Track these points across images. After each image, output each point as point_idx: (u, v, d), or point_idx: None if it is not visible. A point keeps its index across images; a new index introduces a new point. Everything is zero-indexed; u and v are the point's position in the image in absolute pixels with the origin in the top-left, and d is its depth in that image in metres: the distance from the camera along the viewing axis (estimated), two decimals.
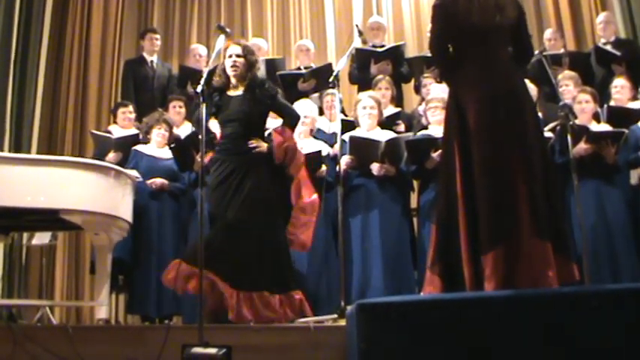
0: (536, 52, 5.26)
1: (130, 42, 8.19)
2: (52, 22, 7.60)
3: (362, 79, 6.22)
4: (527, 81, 3.68)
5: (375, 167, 4.84)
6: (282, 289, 4.16)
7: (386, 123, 5.23)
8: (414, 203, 5.17)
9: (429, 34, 4.83)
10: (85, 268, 6.87)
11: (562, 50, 6.42)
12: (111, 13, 8.09)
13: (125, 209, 4.52)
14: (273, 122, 4.84)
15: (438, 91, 5.30)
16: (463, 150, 3.21)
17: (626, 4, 6.66)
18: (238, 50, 4.36)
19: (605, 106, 5.28)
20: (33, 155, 6.28)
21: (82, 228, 4.43)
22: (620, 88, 5.40)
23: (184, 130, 5.83)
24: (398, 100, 6.07)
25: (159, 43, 7.06)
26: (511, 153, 3.15)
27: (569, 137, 4.36)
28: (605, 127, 5.03)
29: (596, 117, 5.12)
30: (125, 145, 5.50)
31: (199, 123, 4.49)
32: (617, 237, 4.71)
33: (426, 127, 5.17)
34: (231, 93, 4.38)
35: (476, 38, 3.29)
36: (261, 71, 6.05)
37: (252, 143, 4.30)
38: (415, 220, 5.12)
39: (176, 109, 5.99)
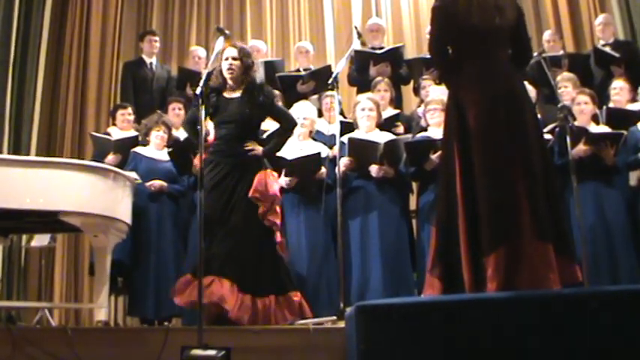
0: (535, 53, 5.28)
1: (129, 44, 8.19)
2: (51, 24, 7.62)
3: (361, 81, 6.22)
4: (525, 83, 3.68)
5: (373, 169, 4.84)
6: (280, 291, 4.18)
7: (385, 125, 5.23)
8: (413, 205, 5.17)
9: (428, 36, 4.84)
10: (84, 270, 6.87)
11: (561, 52, 6.43)
12: (110, 15, 8.11)
13: (124, 211, 4.52)
14: (271, 124, 4.86)
15: (437, 92, 5.30)
16: (463, 151, 3.21)
17: (624, 6, 6.68)
18: (234, 53, 4.36)
19: (604, 107, 5.29)
20: (32, 157, 6.31)
21: (81, 230, 4.44)
22: (619, 89, 5.41)
23: (183, 132, 5.83)
24: (397, 101, 6.07)
25: (158, 45, 7.07)
26: (511, 154, 3.15)
27: (568, 139, 4.36)
28: (604, 128, 5.03)
29: (595, 118, 5.13)
30: (124, 147, 5.50)
31: (190, 125, 4.56)
32: (616, 238, 4.71)
33: (425, 129, 5.17)
34: (228, 95, 4.38)
35: (475, 40, 3.29)
36: (260, 73, 6.05)
37: (248, 146, 4.31)
38: (414, 221, 5.12)
39: (175, 111, 5.98)
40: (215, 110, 4.34)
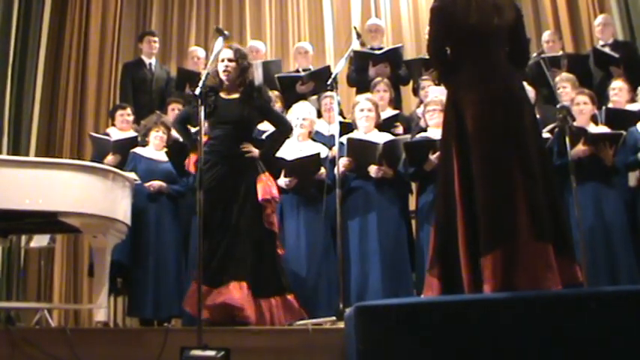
0: (535, 54, 5.29)
1: (129, 45, 8.19)
2: (50, 24, 7.61)
3: (360, 82, 6.22)
4: (525, 83, 3.68)
5: (372, 169, 4.84)
6: (281, 292, 4.21)
7: (384, 125, 5.23)
8: (412, 205, 5.18)
9: (427, 37, 4.84)
10: (83, 271, 6.87)
11: (560, 52, 6.42)
12: (109, 16, 8.11)
13: (123, 212, 4.52)
14: (266, 126, 4.87)
15: (436, 93, 5.30)
16: (461, 152, 3.21)
17: (624, 6, 6.68)
18: (230, 54, 4.36)
19: (604, 108, 5.29)
20: (31, 158, 6.30)
21: (80, 230, 4.44)
22: (618, 90, 5.41)
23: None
24: (396, 102, 6.08)
25: (157, 45, 7.07)
26: (509, 155, 3.15)
27: (567, 139, 4.37)
28: (603, 129, 5.03)
29: (594, 119, 5.13)
30: (123, 148, 5.49)
31: (180, 124, 4.58)
32: (615, 239, 4.71)
33: (424, 130, 5.17)
34: (225, 96, 4.38)
35: (474, 40, 3.29)
36: (259, 74, 6.06)
37: (245, 147, 4.32)
38: (414, 222, 5.12)
39: (175, 112, 5.95)
40: (212, 110, 4.34)
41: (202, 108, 3.84)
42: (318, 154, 4.89)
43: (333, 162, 4.80)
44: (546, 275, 3.00)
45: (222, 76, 4.35)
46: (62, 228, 4.50)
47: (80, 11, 8.05)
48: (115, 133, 5.98)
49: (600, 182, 4.83)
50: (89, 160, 5.47)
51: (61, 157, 6.92)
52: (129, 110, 6.13)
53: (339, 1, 8.54)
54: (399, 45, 6.80)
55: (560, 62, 6.08)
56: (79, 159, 6.46)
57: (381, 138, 4.94)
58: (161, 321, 5.14)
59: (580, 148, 4.77)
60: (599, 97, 5.36)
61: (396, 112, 5.74)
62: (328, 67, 6.34)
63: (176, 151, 5.21)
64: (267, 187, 4.38)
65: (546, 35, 6.62)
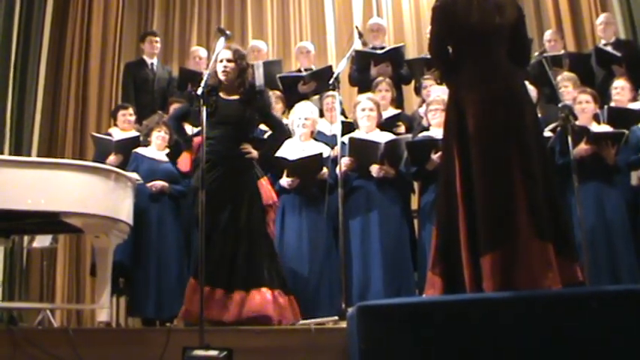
0: (537, 53, 5.28)
1: (130, 45, 8.20)
2: (52, 25, 7.62)
3: (362, 81, 6.22)
4: (526, 82, 3.67)
5: (374, 169, 4.84)
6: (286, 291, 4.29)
7: (386, 125, 5.23)
8: (414, 205, 5.17)
9: (428, 36, 4.83)
10: (85, 271, 6.87)
11: (562, 51, 6.42)
12: (111, 16, 8.10)
13: (126, 212, 4.52)
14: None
15: (438, 92, 5.30)
16: (463, 151, 3.21)
17: (625, 5, 6.67)
18: (229, 55, 4.36)
19: (606, 107, 5.28)
20: (33, 158, 6.30)
21: (82, 231, 4.44)
22: (620, 89, 5.40)
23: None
24: (398, 101, 6.07)
25: (159, 45, 7.08)
26: (510, 154, 3.15)
27: (569, 138, 4.36)
28: (605, 128, 5.03)
29: (596, 118, 5.12)
30: (125, 148, 5.50)
31: (176, 121, 4.59)
32: (617, 238, 4.71)
33: (426, 129, 5.17)
34: (225, 96, 4.38)
35: (476, 39, 3.29)
36: (260, 74, 6.06)
37: (245, 148, 4.33)
38: (416, 221, 5.12)
39: None
40: (213, 111, 4.34)
41: (204, 108, 3.84)
42: (321, 154, 4.89)
43: (335, 162, 4.80)
44: (546, 274, 3.00)
45: (221, 77, 4.35)
46: (64, 228, 4.50)
47: (82, 11, 8.05)
48: (117, 134, 5.98)
49: (602, 181, 4.83)
50: (91, 161, 5.48)
51: (63, 158, 6.92)
52: (131, 110, 6.14)
53: (341, 1, 8.54)
54: (401, 44, 6.80)
55: (562, 61, 6.08)
56: (81, 159, 6.45)
57: (383, 137, 4.94)
58: (163, 321, 5.14)
59: (582, 147, 4.77)
60: (602, 96, 5.35)
61: (398, 111, 5.74)
62: (330, 67, 6.34)
63: (178, 152, 5.23)
64: (267, 192, 4.49)
65: (548, 34, 6.62)
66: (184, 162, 5.40)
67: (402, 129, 5.50)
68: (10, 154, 6.38)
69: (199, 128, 4.09)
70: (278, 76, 6.24)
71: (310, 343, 3.59)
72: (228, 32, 4.20)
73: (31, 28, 7.11)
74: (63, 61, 7.86)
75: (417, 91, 6.29)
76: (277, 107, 5.74)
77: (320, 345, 3.57)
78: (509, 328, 2.42)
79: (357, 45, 5.10)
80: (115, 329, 4.92)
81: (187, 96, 6.11)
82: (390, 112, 5.61)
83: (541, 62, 5.25)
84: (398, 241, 4.81)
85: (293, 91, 6.10)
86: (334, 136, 4.69)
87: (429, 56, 5.82)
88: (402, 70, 6.32)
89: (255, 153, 4.40)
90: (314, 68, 6.48)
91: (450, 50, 3.43)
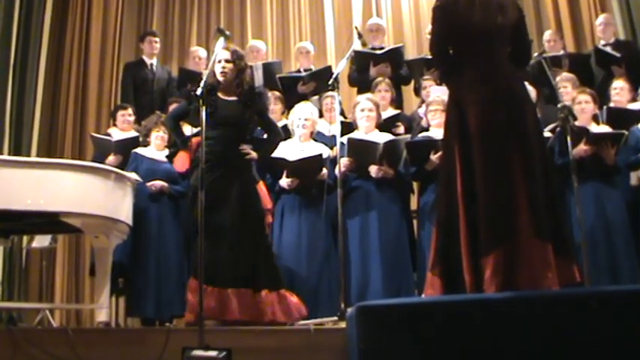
0: (536, 53, 5.28)
1: (130, 45, 8.19)
2: (51, 25, 7.62)
3: (361, 82, 6.22)
4: (526, 83, 3.67)
5: (373, 169, 4.84)
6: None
7: (385, 125, 5.23)
8: (414, 205, 5.17)
9: (428, 36, 4.83)
10: (85, 271, 6.87)
11: (562, 52, 6.42)
12: (110, 16, 8.10)
13: (125, 212, 4.52)
14: None
15: (438, 93, 5.30)
16: (463, 152, 3.21)
17: (625, 6, 6.67)
18: (227, 56, 4.36)
19: (605, 107, 5.28)
20: (33, 158, 6.29)
21: (81, 231, 4.43)
22: (619, 90, 5.40)
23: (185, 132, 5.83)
24: (397, 102, 6.07)
25: (158, 45, 7.08)
26: (511, 155, 3.15)
27: (568, 139, 4.36)
28: (604, 128, 5.03)
29: (596, 118, 5.12)
30: (125, 148, 5.50)
31: (173, 120, 4.60)
32: (616, 238, 4.71)
33: (426, 129, 5.17)
34: (223, 96, 4.38)
35: (477, 39, 3.29)
36: (259, 75, 6.06)
37: (244, 149, 4.33)
38: (415, 221, 5.12)
39: None
40: (212, 111, 4.34)
41: (204, 108, 3.84)
42: (320, 155, 4.89)
43: (334, 162, 4.80)
44: (545, 274, 3.00)
45: (220, 78, 4.36)
46: (64, 228, 4.50)
47: (81, 11, 8.04)
48: (117, 134, 5.98)
49: (602, 182, 4.83)
50: (90, 161, 5.48)
51: (63, 158, 6.91)
52: (130, 110, 6.14)
53: (341, 1, 8.55)
54: (400, 45, 6.80)
55: (562, 62, 6.08)
56: (80, 159, 6.44)
57: (382, 138, 4.94)
58: (163, 321, 5.14)
59: (582, 147, 4.77)
60: (601, 96, 5.35)
61: (398, 112, 5.74)
62: (329, 67, 6.35)
63: (175, 153, 5.24)
64: (264, 197, 4.57)
65: (547, 35, 6.62)
66: (180, 162, 5.40)
67: (401, 129, 5.50)
68: (9, 154, 6.38)
69: (198, 128, 4.08)
70: (277, 76, 6.24)
71: (309, 343, 3.59)
72: (227, 32, 4.20)
73: (30, 28, 7.10)
74: (62, 62, 7.86)
75: (417, 91, 6.29)
76: (277, 108, 5.74)
77: (319, 345, 3.56)
78: (508, 328, 2.42)
79: (357, 45, 5.10)
80: (114, 329, 4.91)
81: (186, 95, 6.11)
82: (390, 112, 5.61)
83: (540, 63, 5.24)
84: (397, 242, 4.81)
85: (292, 91, 6.10)
86: (333, 136, 4.69)
87: (428, 57, 5.85)
88: (401, 71, 6.32)
89: (254, 154, 4.41)
90: (313, 68, 6.49)
91: (451, 50, 3.43)
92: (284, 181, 4.85)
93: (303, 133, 5.05)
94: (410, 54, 7.22)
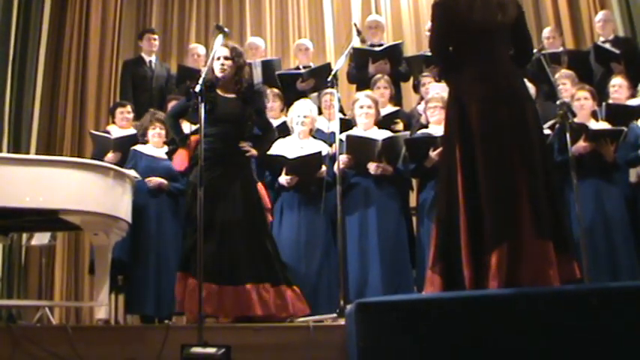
0: (535, 50, 5.27)
1: (129, 42, 8.19)
2: (50, 22, 7.61)
3: (360, 79, 6.22)
4: (525, 80, 3.67)
5: (372, 166, 4.84)
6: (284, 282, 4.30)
7: (384, 122, 5.23)
8: (413, 202, 5.17)
9: (428, 33, 4.82)
10: (84, 269, 6.88)
11: (561, 48, 6.42)
12: (109, 14, 8.10)
13: (124, 209, 4.51)
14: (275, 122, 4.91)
15: (437, 90, 5.30)
16: (464, 149, 3.21)
17: (624, 2, 6.67)
18: (226, 53, 4.36)
19: (604, 103, 5.27)
20: (32, 156, 6.29)
21: (81, 228, 4.43)
22: (618, 87, 5.39)
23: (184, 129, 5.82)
24: (396, 99, 6.07)
25: (157, 43, 7.08)
26: (512, 152, 3.15)
27: (568, 135, 4.36)
28: (603, 125, 5.02)
29: (595, 115, 5.12)
30: (124, 145, 5.50)
31: (173, 119, 4.60)
32: (616, 235, 4.71)
33: (425, 126, 5.16)
34: (223, 93, 4.38)
35: (477, 37, 3.28)
36: (258, 73, 6.06)
37: (245, 147, 4.33)
38: (414, 218, 5.12)
39: None
40: (211, 108, 4.33)
41: (202, 105, 3.84)
42: (320, 152, 4.89)
43: (333, 159, 4.80)
44: (548, 271, 3.01)
45: (219, 74, 4.36)
46: (63, 226, 4.49)
47: (80, 9, 8.04)
48: (116, 131, 5.98)
49: (601, 178, 4.83)
50: (90, 158, 5.47)
51: (62, 155, 6.92)
52: (129, 108, 6.14)
53: None
54: (399, 42, 6.80)
55: (561, 58, 6.08)
56: (79, 157, 6.45)
57: (381, 135, 4.93)
58: (162, 318, 5.14)
59: (581, 144, 4.77)
60: (600, 93, 5.35)
61: (397, 108, 5.74)
62: (328, 64, 6.34)
63: (175, 150, 5.23)
64: (264, 197, 4.60)
65: (547, 31, 6.62)
66: (178, 160, 5.38)
67: (400, 126, 5.50)
68: (8, 151, 6.37)
69: (197, 126, 4.08)
70: (276, 73, 6.25)
71: (309, 340, 3.59)
72: (226, 29, 4.20)
73: (29, 26, 7.09)
74: (61, 59, 7.86)
75: (416, 88, 6.29)
76: (276, 105, 5.74)
77: (318, 342, 3.56)
78: (508, 325, 2.42)
79: (356, 42, 5.09)
80: (114, 326, 4.93)
81: (185, 91, 6.10)
82: (389, 109, 5.61)
83: (539, 59, 5.24)
84: (396, 239, 4.81)
85: (291, 88, 6.10)
86: (332, 133, 4.69)
87: (427, 53, 5.85)
88: (400, 68, 6.31)
89: (254, 151, 4.41)
90: (312, 65, 6.48)
91: (450, 48, 3.42)
92: (283, 179, 4.85)
93: (302, 130, 5.05)
94: (409, 51, 7.23)
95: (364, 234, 4.77)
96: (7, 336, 3.74)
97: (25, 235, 6.36)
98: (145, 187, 5.11)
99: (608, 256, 4.66)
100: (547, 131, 4.92)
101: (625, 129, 4.88)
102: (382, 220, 4.79)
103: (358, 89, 5.98)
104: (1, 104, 6.61)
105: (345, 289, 4.21)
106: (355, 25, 5.06)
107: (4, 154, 5.36)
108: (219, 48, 4.30)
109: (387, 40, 7.10)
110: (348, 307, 3.17)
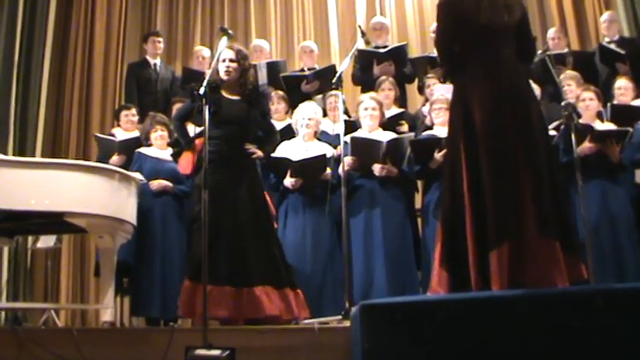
0: (540, 51, 5.26)
1: (134, 45, 8.21)
2: (55, 26, 7.63)
3: (365, 80, 6.22)
4: (530, 81, 3.66)
5: (376, 168, 4.83)
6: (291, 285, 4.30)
7: (389, 124, 5.22)
8: (418, 204, 5.16)
9: (432, 34, 4.82)
10: (89, 271, 6.88)
11: (566, 49, 6.41)
12: (114, 17, 8.11)
13: (129, 212, 4.52)
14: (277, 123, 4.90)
15: (442, 91, 5.28)
16: (469, 149, 3.20)
17: (629, 3, 6.65)
18: (231, 55, 4.37)
19: (609, 104, 5.26)
20: (37, 159, 6.30)
21: (86, 231, 4.44)
22: (623, 89, 5.38)
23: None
24: (401, 100, 6.07)
25: (162, 46, 7.10)
26: (517, 152, 3.15)
27: (573, 136, 4.35)
28: (609, 125, 5.01)
29: (600, 116, 5.11)
30: (129, 148, 5.50)
31: (179, 122, 4.60)
32: (621, 236, 4.69)
33: (430, 128, 5.16)
34: (227, 95, 4.38)
35: (483, 37, 3.28)
36: (263, 75, 6.06)
37: (250, 149, 4.34)
38: (419, 220, 5.11)
39: None
40: (216, 110, 4.33)
41: (207, 107, 3.84)
42: (324, 155, 4.89)
43: (337, 161, 4.80)
44: (553, 272, 2.99)
45: (224, 77, 4.36)
46: (68, 228, 4.51)
47: (85, 12, 8.06)
48: (120, 134, 5.99)
49: (606, 179, 4.81)
50: (95, 161, 5.49)
51: (67, 158, 6.92)
52: (133, 110, 6.15)
53: (344, 0, 8.54)
54: (404, 43, 6.80)
55: (566, 59, 6.06)
56: (84, 160, 6.46)
57: (385, 136, 4.93)
58: (167, 320, 5.14)
59: (586, 145, 4.75)
60: (605, 94, 5.33)
61: (401, 110, 5.73)
62: (333, 66, 6.34)
63: (179, 153, 5.23)
64: (271, 203, 4.60)
65: (551, 32, 6.60)
66: (183, 164, 5.38)
67: (405, 128, 5.50)
68: (14, 154, 6.39)
69: (202, 128, 4.08)
70: (281, 75, 6.25)
71: (314, 342, 3.58)
72: (230, 32, 4.20)
73: (34, 29, 7.12)
74: (66, 62, 7.88)
75: (420, 89, 6.29)
76: (280, 107, 5.75)
77: (323, 344, 3.56)
78: (514, 326, 2.42)
79: (360, 44, 5.09)
80: (119, 329, 4.93)
81: (190, 93, 6.09)
82: (393, 111, 5.61)
83: (544, 60, 5.22)
84: (401, 240, 4.81)
85: (296, 90, 6.10)
86: (337, 135, 4.69)
87: (432, 55, 5.85)
88: (405, 69, 6.31)
89: (260, 152, 4.41)
90: (317, 67, 6.48)
91: (456, 48, 3.42)
92: (288, 181, 4.85)
93: (307, 132, 5.05)
94: (413, 52, 7.22)
95: (369, 236, 4.76)
96: (12, 338, 3.74)
97: (30, 238, 6.38)
98: (149, 190, 5.12)
99: (613, 257, 4.64)
100: (552, 132, 4.91)
101: (630, 129, 4.87)
102: (387, 222, 4.78)
103: (363, 91, 5.98)
104: (6, 107, 6.63)
105: (350, 291, 4.21)
106: (360, 26, 5.06)
107: (10, 157, 5.37)
108: (224, 50, 4.31)
109: (392, 42, 7.09)
110: (353, 308, 3.16)
